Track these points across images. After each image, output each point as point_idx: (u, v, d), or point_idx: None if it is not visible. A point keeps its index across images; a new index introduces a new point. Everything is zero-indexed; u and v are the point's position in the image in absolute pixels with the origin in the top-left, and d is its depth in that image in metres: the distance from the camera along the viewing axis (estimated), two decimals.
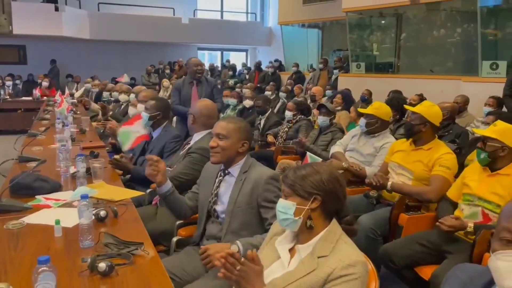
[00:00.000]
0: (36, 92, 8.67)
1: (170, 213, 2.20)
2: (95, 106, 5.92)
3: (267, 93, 7.46)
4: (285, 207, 1.38)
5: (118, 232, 1.77)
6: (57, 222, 1.76)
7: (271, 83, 8.92)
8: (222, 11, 15.36)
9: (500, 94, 4.93)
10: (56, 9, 11.03)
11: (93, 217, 1.80)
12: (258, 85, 10.18)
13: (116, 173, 2.87)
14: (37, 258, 1.18)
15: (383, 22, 9.05)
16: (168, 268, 1.79)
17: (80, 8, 12.26)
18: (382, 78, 7.63)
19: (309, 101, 6.45)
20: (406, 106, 3.02)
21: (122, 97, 5.59)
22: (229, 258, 1.23)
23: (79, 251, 1.63)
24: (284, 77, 10.44)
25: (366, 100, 5.94)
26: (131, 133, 2.82)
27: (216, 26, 13.83)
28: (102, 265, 1.43)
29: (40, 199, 2.20)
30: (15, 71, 10.91)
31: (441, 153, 2.63)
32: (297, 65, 10.09)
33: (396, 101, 4.36)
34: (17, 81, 10.25)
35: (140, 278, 1.45)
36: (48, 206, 2.12)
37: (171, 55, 13.36)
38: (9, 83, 9.48)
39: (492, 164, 2.22)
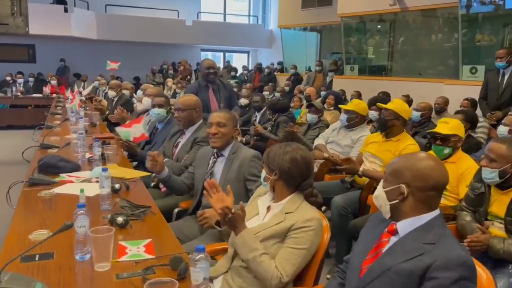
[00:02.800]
0: (46, 90, 9.12)
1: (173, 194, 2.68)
2: (104, 102, 6.36)
3: (265, 93, 7.89)
4: (263, 173, 1.84)
5: (130, 200, 2.19)
6: (82, 190, 2.14)
7: (270, 83, 9.37)
8: (225, 14, 15.80)
9: (478, 96, 5.35)
10: (65, 10, 11.50)
11: (110, 189, 2.22)
12: (259, 85, 10.63)
13: (126, 159, 3.30)
14: (76, 204, 1.61)
15: (378, 27, 9.46)
16: None
17: (88, 9, 12.71)
18: (374, 80, 8.05)
19: (304, 101, 6.88)
20: (378, 104, 3.43)
21: (111, 93, 6.01)
22: (225, 209, 1.66)
23: (100, 212, 2.06)
24: (283, 78, 10.87)
25: None
26: (130, 134, 3.21)
27: (219, 28, 14.26)
28: (120, 219, 1.86)
29: (64, 176, 2.63)
30: (24, 69, 11.35)
31: (406, 144, 3.05)
32: (295, 67, 10.52)
33: (381, 100, 4.78)
34: (30, 78, 10.69)
35: (149, 230, 1.88)
36: (71, 181, 2.54)
37: (175, 55, 13.80)
38: (20, 80, 9.92)
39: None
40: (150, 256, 1.60)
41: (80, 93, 8.91)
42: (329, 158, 3.47)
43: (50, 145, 3.45)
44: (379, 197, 1.44)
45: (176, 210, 2.62)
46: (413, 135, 4.30)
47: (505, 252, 1.99)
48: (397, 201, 1.38)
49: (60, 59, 12.33)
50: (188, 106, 3.03)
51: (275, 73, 11.90)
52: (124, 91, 6.04)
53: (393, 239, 1.41)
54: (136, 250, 1.65)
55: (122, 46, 13.30)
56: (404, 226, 1.38)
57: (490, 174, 2.08)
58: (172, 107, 5.17)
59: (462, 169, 2.50)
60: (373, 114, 4.54)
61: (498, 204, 2.12)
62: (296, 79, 10.24)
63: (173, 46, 14.17)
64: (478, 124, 4.65)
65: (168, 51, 13.99)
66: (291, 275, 1.62)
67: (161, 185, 3.08)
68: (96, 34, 12.49)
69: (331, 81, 8.85)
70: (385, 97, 5.50)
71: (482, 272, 1.34)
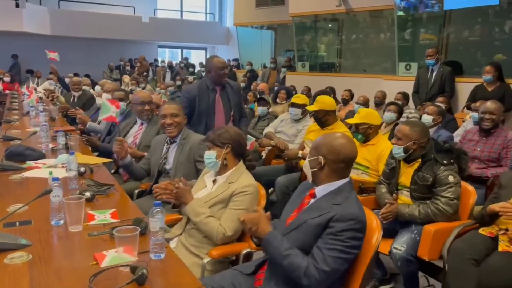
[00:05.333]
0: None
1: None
2: (62, 98, 6.47)
3: None
4: (210, 154, 2.17)
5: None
6: (50, 173, 2.43)
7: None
8: (181, 11, 15.95)
9: (411, 90, 5.98)
10: (17, 5, 11.27)
11: (77, 171, 2.50)
12: None
13: (88, 148, 3.56)
14: (47, 183, 1.89)
15: (329, 26, 10.01)
16: None
17: (40, 4, 12.49)
18: (323, 76, 8.60)
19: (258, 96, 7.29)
20: (307, 107, 3.89)
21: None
22: (168, 186, 2.01)
23: (68, 191, 2.32)
24: (240, 74, 11.24)
25: (306, 95, 6.83)
26: (110, 110, 3.18)
27: (176, 25, 14.42)
28: (88, 194, 2.15)
29: (31, 163, 2.86)
30: None
31: (340, 131, 3.50)
32: (250, 64, 10.92)
33: (324, 94, 5.28)
34: None
35: (113, 202, 2.19)
36: (38, 167, 2.79)
37: (132, 52, 13.82)
38: None
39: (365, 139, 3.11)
40: (116, 220, 1.92)
41: (35, 89, 8.87)
42: (275, 145, 3.89)
43: (13, 137, 3.62)
44: (305, 165, 1.83)
45: (136, 191, 2.93)
46: None
47: (410, 215, 2.47)
48: (316, 169, 1.77)
49: (12, 55, 12.06)
50: (145, 101, 3.39)
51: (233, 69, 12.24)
52: (85, 87, 6.19)
53: (312, 200, 1.81)
54: (103, 216, 1.96)
55: (78, 42, 13.16)
56: (320, 190, 1.78)
57: (398, 150, 2.56)
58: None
59: (379, 150, 2.99)
60: None
61: (405, 175, 2.59)
62: (252, 75, 10.64)
63: (130, 43, 14.18)
64: (410, 115, 5.27)
65: (125, 48, 13.99)
66: (233, 230, 2.01)
67: (121, 171, 3.38)
68: (49, 29, 12.31)
69: (284, 77, 9.31)
70: (330, 91, 6.01)
71: (374, 218, 1.77)
